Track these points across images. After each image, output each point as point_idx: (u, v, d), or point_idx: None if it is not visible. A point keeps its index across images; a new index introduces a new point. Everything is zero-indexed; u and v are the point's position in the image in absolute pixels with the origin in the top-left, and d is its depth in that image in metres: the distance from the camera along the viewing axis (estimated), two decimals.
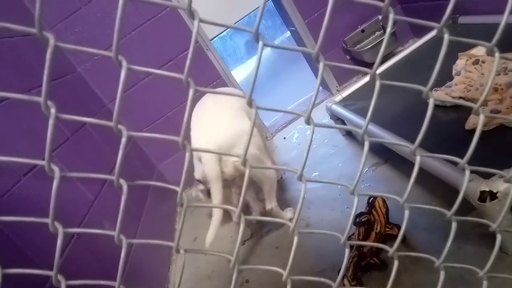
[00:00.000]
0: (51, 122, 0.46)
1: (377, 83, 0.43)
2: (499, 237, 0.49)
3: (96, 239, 1.33)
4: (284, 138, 2.67)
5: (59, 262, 0.50)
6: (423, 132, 0.41)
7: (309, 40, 2.63)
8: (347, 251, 0.51)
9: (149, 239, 1.66)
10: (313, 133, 0.49)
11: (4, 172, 1.14)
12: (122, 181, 0.49)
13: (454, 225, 0.48)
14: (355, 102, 1.97)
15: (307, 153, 0.46)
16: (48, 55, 0.44)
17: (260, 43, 0.47)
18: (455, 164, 0.51)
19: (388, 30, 0.51)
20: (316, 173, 1.99)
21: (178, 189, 0.50)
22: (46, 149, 0.46)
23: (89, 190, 1.51)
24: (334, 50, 2.73)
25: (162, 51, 2.40)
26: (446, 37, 0.47)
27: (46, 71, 0.45)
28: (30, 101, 0.47)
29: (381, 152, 1.75)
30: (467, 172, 0.45)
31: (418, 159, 0.44)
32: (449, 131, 1.30)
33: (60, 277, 0.50)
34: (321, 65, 0.46)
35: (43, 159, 0.47)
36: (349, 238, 1.29)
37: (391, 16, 0.43)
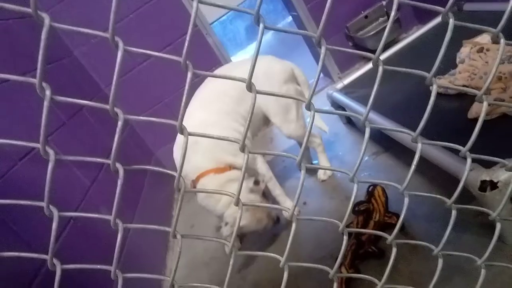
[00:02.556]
0: (46, 104, 0.45)
1: (380, 68, 0.42)
2: (498, 226, 0.49)
3: (92, 225, 1.33)
4: None
5: (55, 246, 0.50)
6: (425, 119, 0.40)
7: (311, 26, 2.58)
8: (345, 238, 0.50)
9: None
10: (313, 119, 0.48)
11: (0, 156, 1.13)
12: (118, 165, 0.48)
13: (454, 213, 0.47)
14: (357, 90, 1.95)
15: (307, 139, 0.45)
16: (43, 35, 0.43)
17: (261, 25, 0.45)
18: (456, 153, 0.50)
19: (392, 14, 0.49)
20: (316, 161, 1.98)
21: (176, 174, 0.50)
22: (41, 131, 0.45)
23: (85, 176, 1.50)
24: (337, 36, 2.69)
25: (161, 35, 2.37)
26: (452, 22, 0.45)
27: (41, 52, 0.43)
28: (25, 83, 0.46)
29: (382, 141, 1.74)
30: (469, 160, 0.44)
31: (419, 146, 0.43)
32: (452, 119, 1.28)
33: (55, 261, 0.50)
34: (323, 49, 0.45)
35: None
36: (348, 226, 1.29)
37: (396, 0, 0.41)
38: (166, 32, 2.37)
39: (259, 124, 1.75)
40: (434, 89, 0.42)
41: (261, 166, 1.65)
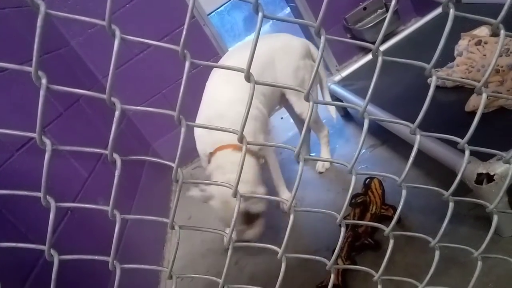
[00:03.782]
0: (42, 93, 0.44)
1: (380, 59, 0.42)
2: (495, 218, 0.49)
3: (90, 216, 1.33)
4: (282, 118, 2.65)
5: (52, 236, 0.50)
6: (424, 111, 0.40)
7: (309, 17, 2.57)
8: (342, 229, 0.50)
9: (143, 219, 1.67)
10: (312, 110, 0.48)
11: None
12: (115, 155, 0.48)
13: (451, 205, 0.47)
14: (355, 82, 1.94)
15: (305, 129, 0.45)
16: (39, 23, 0.42)
17: (260, 14, 0.45)
18: (453, 145, 0.50)
19: (393, 4, 0.49)
20: (313, 154, 1.98)
21: (173, 165, 0.49)
22: (38, 121, 0.45)
23: (83, 167, 1.49)
24: (335, 28, 2.68)
25: (158, 26, 2.34)
26: (452, 12, 0.45)
27: (36, 39, 0.43)
28: (21, 71, 0.46)
29: (378, 134, 1.74)
30: (467, 152, 0.44)
31: (418, 138, 0.43)
32: (449, 112, 1.29)
33: (53, 251, 0.50)
34: (322, 39, 0.45)
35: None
36: (344, 219, 1.29)
37: None
38: (163, 23, 2.34)
39: (276, 102, 1.78)
40: (433, 80, 0.41)
41: (271, 154, 1.68)
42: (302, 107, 1.71)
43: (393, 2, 0.51)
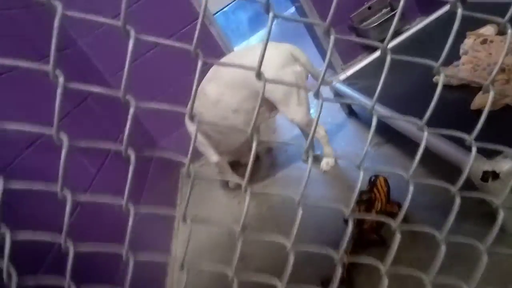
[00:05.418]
0: (59, 91, 0.46)
1: (388, 57, 0.43)
2: (501, 213, 0.50)
3: (98, 213, 1.34)
4: None
5: (68, 227, 0.51)
6: (432, 107, 0.41)
7: (314, 17, 2.57)
8: (350, 224, 0.52)
9: (151, 215, 1.69)
10: (321, 108, 0.49)
11: (6, 145, 1.14)
12: (130, 151, 0.49)
13: (458, 200, 0.48)
14: (360, 81, 1.95)
15: (315, 127, 0.46)
16: (56, 23, 0.43)
17: (271, 14, 0.46)
18: (459, 143, 0.51)
19: (401, 5, 0.50)
20: (319, 152, 1.99)
21: (185, 160, 0.51)
22: (55, 117, 0.46)
23: (91, 164, 1.52)
24: (340, 27, 2.68)
25: (163, 26, 2.36)
26: (460, 11, 0.46)
27: (53, 40, 0.44)
28: (36, 70, 0.47)
29: (383, 132, 1.75)
30: (474, 149, 0.45)
31: (425, 134, 0.44)
32: (455, 111, 1.29)
33: (68, 242, 0.52)
34: (332, 38, 0.46)
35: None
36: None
37: None
38: (169, 23, 2.36)
39: (264, 109, 1.83)
40: (441, 78, 0.43)
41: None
42: (291, 114, 1.74)
43: (401, 3, 0.52)
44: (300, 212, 0.53)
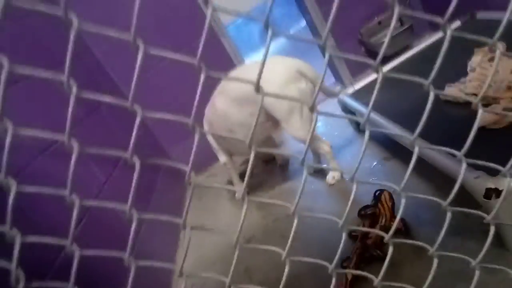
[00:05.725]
0: (72, 99, 0.49)
1: (380, 74, 0.45)
2: (492, 229, 0.51)
3: (104, 221, 1.37)
4: None
5: (74, 232, 0.54)
6: (422, 122, 0.43)
7: (325, 29, 2.61)
8: (344, 235, 0.53)
9: (156, 225, 1.72)
10: (316, 121, 0.51)
11: (18, 151, 1.18)
12: (135, 158, 0.52)
13: (449, 215, 0.50)
14: (368, 95, 1.96)
15: (311, 139, 0.48)
16: (72, 37, 0.47)
17: (270, 32, 0.49)
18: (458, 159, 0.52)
19: (392, 24, 0.52)
20: (325, 165, 2.00)
21: (187, 168, 0.53)
22: (67, 124, 0.50)
23: (101, 172, 1.55)
24: (350, 41, 2.71)
25: (177, 38, 2.42)
26: (449, 33, 0.48)
27: (69, 53, 0.48)
28: (51, 80, 0.51)
29: (391, 146, 1.75)
30: (464, 164, 0.47)
31: (416, 149, 0.46)
32: (460, 127, 1.29)
33: (74, 246, 0.54)
34: (326, 56, 0.48)
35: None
36: (354, 231, 1.29)
37: (396, 11, 0.44)
38: (182, 35, 2.42)
39: (271, 124, 1.85)
40: (431, 96, 0.44)
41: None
42: (293, 131, 1.75)
43: (393, 20, 0.55)
44: (296, 221, 0.55)
